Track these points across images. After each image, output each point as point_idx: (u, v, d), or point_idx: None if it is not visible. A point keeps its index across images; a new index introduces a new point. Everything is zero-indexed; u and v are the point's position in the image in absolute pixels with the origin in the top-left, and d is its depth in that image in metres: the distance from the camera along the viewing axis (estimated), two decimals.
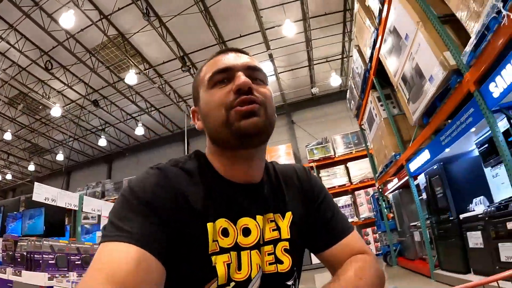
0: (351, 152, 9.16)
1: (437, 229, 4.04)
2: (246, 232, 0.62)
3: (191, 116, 0.75)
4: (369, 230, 8.47)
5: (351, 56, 7.39)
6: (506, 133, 2.61)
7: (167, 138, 12.84)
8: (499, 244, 2.69)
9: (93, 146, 13.08)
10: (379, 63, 4.64)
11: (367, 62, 5.27)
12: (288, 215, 0.69)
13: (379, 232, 7.38)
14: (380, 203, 6.62)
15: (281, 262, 0.65)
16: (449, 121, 3.32)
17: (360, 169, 8.83)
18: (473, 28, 2.41)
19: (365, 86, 5.78)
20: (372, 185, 8.25)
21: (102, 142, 12.02)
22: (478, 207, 3.20)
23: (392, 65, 4.15)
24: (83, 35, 7.49)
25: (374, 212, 7.46)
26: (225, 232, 0.60)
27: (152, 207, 0.55)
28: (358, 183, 8.85)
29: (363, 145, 7.97)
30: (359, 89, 6.19)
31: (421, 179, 4.25)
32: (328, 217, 0.75)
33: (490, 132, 2.70)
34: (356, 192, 8.89)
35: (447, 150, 3.44)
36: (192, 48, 8.32)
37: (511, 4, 1.99)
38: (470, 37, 2.47)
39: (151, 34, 7.43)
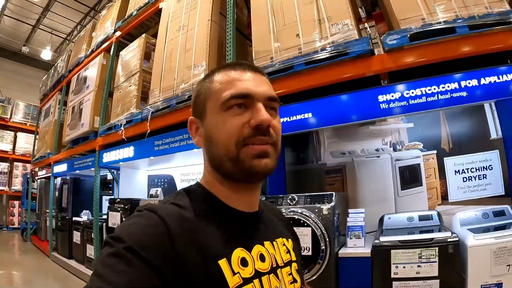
0: (26, 124, 8.78)
1: (59, 222, 5.25)
2: (262, 258, 0.58)
3: (187, 124, 0.66)
4: (16, 202, 8.48)
5: (73, 41, 7.60)
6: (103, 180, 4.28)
7: None
8: (87, 244, 4.26)
9: None
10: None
11: (67, 71, 5.79)
12: (290, 241, 0.70)
13: (24, 209, 7.70)
14: (29, 183, 7.05)
15: (296, 282, 0.64)
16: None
17: (28, 143, 8.65)
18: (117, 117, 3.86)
19: (57, 85, 6.22)
20: None
21: None
22: (84, 216, 4.71)
23: (72, 93, 5.05)
24: None
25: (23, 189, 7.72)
26: (244, 262, 0.55)
27: (142, 254, 0.44)
28: (20, 155, 8.61)
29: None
30: (53, 83, 6.50)
31: (58, 180, 5.36)
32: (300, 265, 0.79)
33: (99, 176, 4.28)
34: (15, 163, 8.61)
35: (77, 171, 4.76)
36: None
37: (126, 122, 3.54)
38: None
39: None
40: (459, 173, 2.19)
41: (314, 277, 1.81)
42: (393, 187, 2.36)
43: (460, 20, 1.79)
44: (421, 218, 1.99)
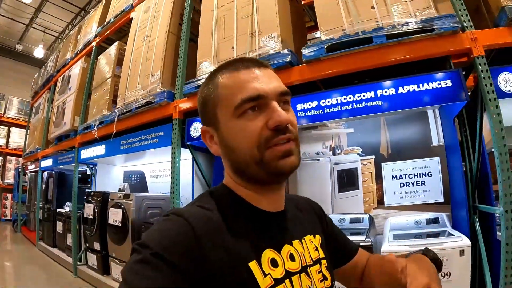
0: (19, 119, 9.14)
1: (45, 213, 5.61)
2: (292, 257, 0.57)
3: (200, 135, 0.65)
4: (8, 195, 8.86)
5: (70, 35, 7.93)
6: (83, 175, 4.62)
7: None
8: (68, 234, 4.59)
9: None
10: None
11: (55, 71, 6.11)
12: (318, 237, 0.68)
13: (15, 201, 8.08)
14: (20, 177, 7.42)
15: (326, 279, 0.63)
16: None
17: (20, 138, 8.98)
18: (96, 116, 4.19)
19: (46, 84, 6.54)
20: None
21: None
22: (67, 208, 5.04)
23: (58, 93, 5.37)
24: None
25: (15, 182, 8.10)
26: (274, 263, 0.54)
27: (169, 259, 0.44)
28: (13, 150, 8.98)
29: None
30: (43, 81, 6.82)
31: (46, 174, 5.71)
32: (339, 235, 0.79)
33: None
34: (8, 157, 8.98)
35: (61, 166, 5.09)
36: None
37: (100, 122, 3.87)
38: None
39: None
40: (397, 179, 2.18)
41: None
42: (330, 189, 2.42)
43: (376, 30, 1.84)
44: (352, 221, 2.09)
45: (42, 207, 5.73)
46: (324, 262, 0.65)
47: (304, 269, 0.59)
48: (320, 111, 1.99)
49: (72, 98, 4.67)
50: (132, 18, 3.74)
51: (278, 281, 0.53)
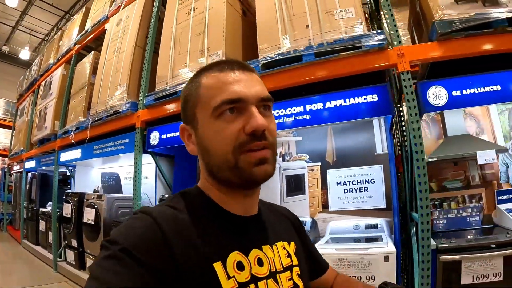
0: (6, 120, 9.32)
1: (29, 212, 5.82)
2: (260, 262, 0.56)
3: (179, 131, 0.65)
4: None
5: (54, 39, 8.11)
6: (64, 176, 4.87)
7: None
8: (49, 232, 4.82)
9: None
10: None
11: (39, 75, 6.30)
12: (292, 244, 0.67)
13: (1, 201, 8.28)
14: (6, 177, 7.62)
15: (298, 287, 0.61)
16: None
17: (7, 138, 9.06)
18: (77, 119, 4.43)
19: (30, 87, 6.75)
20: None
21: None
22: (49, 207, 5.22)
23: (41, 97, 5.59)
24: None
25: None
26: (240, 266, 0.53)
27: (136, 255, 0.45)
28: (0, 150, 9.15)
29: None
30: (27, 84, 7.01)
31: (30, 175, 5.93)
32: (313, 249, 0.79)
33: None
34: None
35: (43, 168, 5.33)
36: None
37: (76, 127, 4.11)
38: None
39: None
40: (341, 185, 2.28)
41: None
42: (280, 193, 2.52)
43: (307, 49, 1.93)
44: None
45: (26, 206, 5.96)
46: (296, 269, 0.64)
47: (272, 274, 0.58)
48: None
49: (52, 104, 4.90)
50: (106, 29, 3.98)
51: (243, 285, 0.52)
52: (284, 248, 0.64)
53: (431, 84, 1.78)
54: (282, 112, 2.09)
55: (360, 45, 1.83)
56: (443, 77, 1.82)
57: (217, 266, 0.51)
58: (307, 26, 2.03)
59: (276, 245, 0.63)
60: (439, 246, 1.72)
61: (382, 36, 1.81)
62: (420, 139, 1.69)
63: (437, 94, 1.79)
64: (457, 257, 1.69)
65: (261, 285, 0.54)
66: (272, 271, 0.58)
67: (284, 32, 2.09)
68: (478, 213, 2.09)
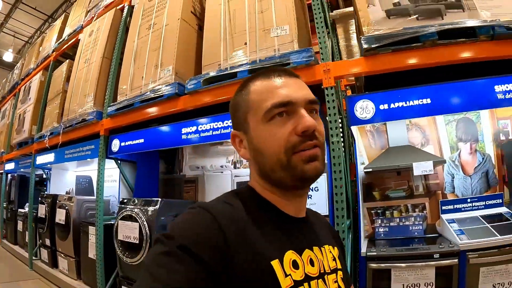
0: None
1: (8, 213, 5.98)
2: (311, 263, 0.58)
3: (230, 138, 0.68)
4: None
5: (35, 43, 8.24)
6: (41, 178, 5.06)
7: None
8: (26, 232, 5.01)
9: None
10: None
11: (20, 79, 6.46)
12: (336, 249, 0.69)
13: None
14: None
15: None
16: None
17: None
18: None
19: (12, 90, 6.88)
20: None
21: None
22: (27, 208, 5.40)
23: (20, 101, 5.76)
24: None
25: None
26: (295, 265, 0.54)
27: (194, 252, 0.45)
28: None
29: None
30: (9, 88, 7.16)
31: (9, 176, 6.11)
32: (345, 263, 0.78)
33: None
34: None
35: (22, 170, 5.50)
36: None
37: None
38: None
39: None
40: None
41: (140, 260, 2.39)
42: None
43: (242, 66, 2.04)
44: None
45: (6, 207, 6.12)
46: (340, 273, 0.65)
47: (321, 275, 0.59)
48: (197, 134, 2.37)
49: (31, 109, 5.09)
50: (79, 39, 4.20)
51: (298, 283, 0.53)
52: (331, 252, 0.66)
53: (358, 98, 1.87)
54: (221, 124, 2.26)
55: (289, 61, 1.92)
56: (385, 88, 1.88)
57: (275, 263, 0.52)
58: (245, 43, 2.16)
59: (324, 247, 0.64)
60: (368, 254, 1.79)
61: (309, 53, 1.90)
62: (339, 152, 1.81)
63: (364, 108, 1.86)
64: (384, 265, 1.75)
65: (313, 284, 0.56)
66: (321, 272, 0.59)
67: (225, 49, 2.21)
68: (421, 222, 2.12)
